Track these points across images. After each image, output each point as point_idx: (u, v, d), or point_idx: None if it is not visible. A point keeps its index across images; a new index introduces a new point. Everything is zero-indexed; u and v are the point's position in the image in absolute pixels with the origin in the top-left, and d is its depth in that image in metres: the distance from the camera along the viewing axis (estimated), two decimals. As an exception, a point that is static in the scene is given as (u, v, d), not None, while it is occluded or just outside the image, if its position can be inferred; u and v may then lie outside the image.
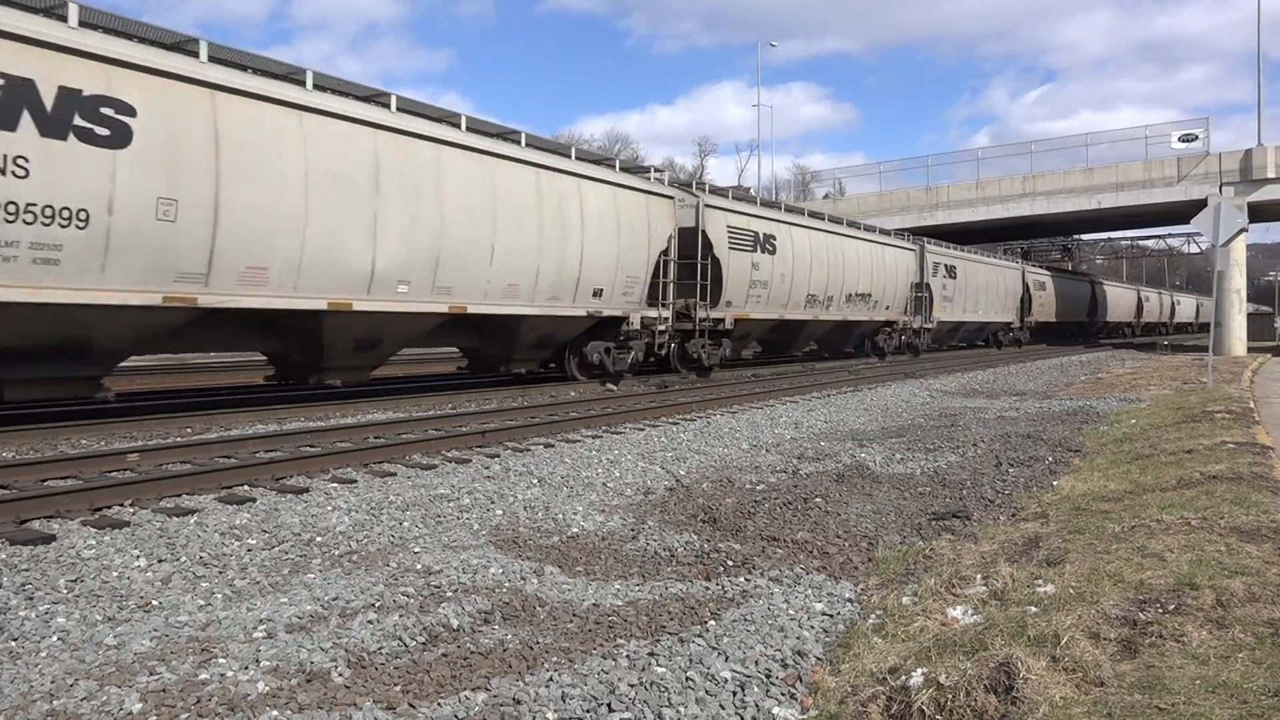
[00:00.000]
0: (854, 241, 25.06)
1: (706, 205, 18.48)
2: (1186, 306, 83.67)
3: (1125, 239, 61.42)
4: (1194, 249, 58.21)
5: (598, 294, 15.29)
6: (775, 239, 20.57)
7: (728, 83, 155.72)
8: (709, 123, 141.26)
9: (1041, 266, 45.87)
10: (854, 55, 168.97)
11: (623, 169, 16.67)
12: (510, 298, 13.46)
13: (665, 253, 17.05)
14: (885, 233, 28.37)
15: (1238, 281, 31.65)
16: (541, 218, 13.81)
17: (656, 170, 18.33)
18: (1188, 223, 20.87)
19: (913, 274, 28.78)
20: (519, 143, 13.90)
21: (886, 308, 27.09)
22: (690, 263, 17.93)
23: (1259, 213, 32.39)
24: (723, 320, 18.82)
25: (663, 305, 17.22)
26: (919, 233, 32.78)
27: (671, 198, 17.45)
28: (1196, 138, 32.45)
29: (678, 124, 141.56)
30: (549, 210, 13.98)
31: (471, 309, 12.76)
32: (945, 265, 31.32)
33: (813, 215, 24.29)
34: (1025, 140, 46.33)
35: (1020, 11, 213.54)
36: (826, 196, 53.37)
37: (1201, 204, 26.21)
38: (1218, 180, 30.97)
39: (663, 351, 17.38)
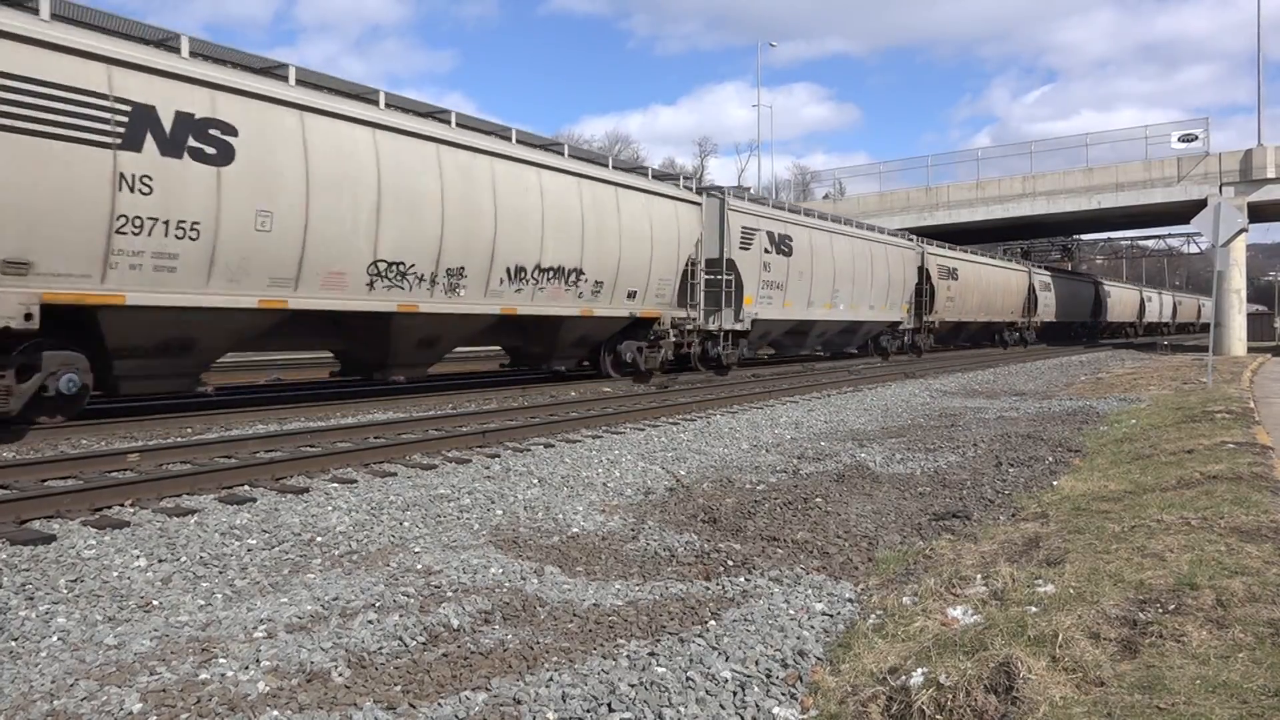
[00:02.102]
0: (537, 173, 14.02)
1: None
2: (1159, 304, 72.40)
3: (1125, 239, 61.41)
4: (1194, 249, 58.14)
5: None
6: (232, 132, 9.69)
7: (730, 83, 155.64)
8: (712, 123, 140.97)
9: (955, 248, 33.40)
10: (856, 56, 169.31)
11: None
12: None
13: None
14: (632, 169, 17.67)
15: (1237, 281, 31.67)
16: None
17: None
18: (1188, 223, 20.88)
19: (696, 245, 18.26)
20: None
21: (630, 295, 16.46)
22: None
23: (1259, 213, 32.42)
24: None
25: None
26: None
27: None
28: (1196, 138, 32.47)
29: (681, 124, 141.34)
30: None
31: None
32: (771, 234, 20.58)
33: (417, 112, 12.60)
34: (1025, 140, 45.86)
35: (1021, 12, 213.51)
36: (827, 196, 53.48)
37: (1201, 204, 26.23)
38: (1218, 180, 30.99)
39: None
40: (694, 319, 18.28)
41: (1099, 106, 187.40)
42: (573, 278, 14.87)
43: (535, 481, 7.43)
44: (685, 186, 18.58)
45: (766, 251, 20.39)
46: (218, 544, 5.33)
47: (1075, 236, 56.81)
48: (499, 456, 8.64)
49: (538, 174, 14.13)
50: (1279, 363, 25.39)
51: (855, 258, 24.97)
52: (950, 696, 3.00)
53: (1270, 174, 30.19)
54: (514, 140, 14.10)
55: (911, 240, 29.72)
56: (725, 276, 18.87)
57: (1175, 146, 32.81)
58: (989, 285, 35.20)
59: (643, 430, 10.73)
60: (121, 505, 6.21)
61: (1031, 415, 12.49)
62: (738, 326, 19.41)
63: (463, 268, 12.77)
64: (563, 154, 15.10)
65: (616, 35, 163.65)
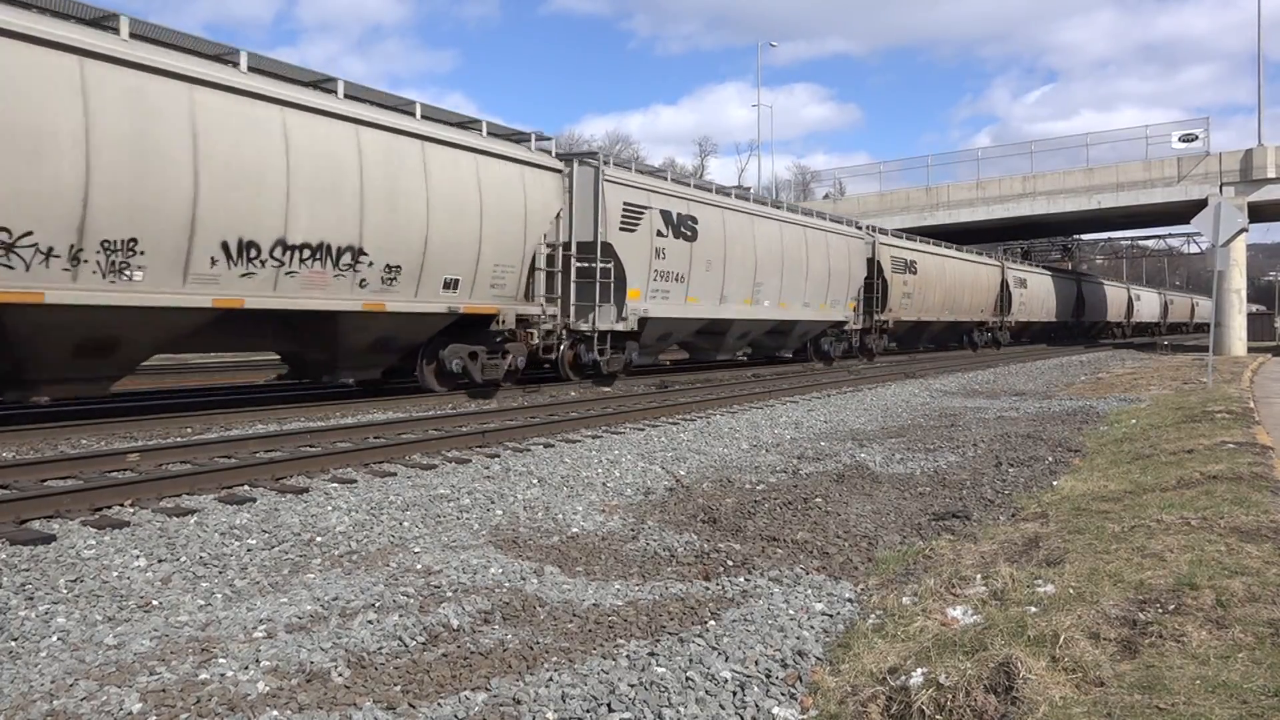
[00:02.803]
0: (280, 113, 10.09)
1: None
2: (1149, 303, 68.66)
3: (1125, 239, 61.38)
4: (1194, 249, 58.07)
5: None
6: None
7: (731, 83, 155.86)
8: (713, 123, 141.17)
9: (915, 239, 29.53)
10: (857, 56, 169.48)
11: None
12: None
13: None
14: (459, 123, 12.96)
15: (1237, 281, 31.67)
16: None
17: None
18: (1188, 223, 20.87)
19: (555, 222, 14.49)
20: None
21: (450, 285, 12.44)
22: None
23: (1259, 213, 32.42)
24: None
25: None
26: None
27: None
28: (1196, 138, 32.48)
29: (681, 124, 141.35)
30: None
31: None
32: (667, 213, 16.83)
33: (81, 18, 8.78)
34: (1026, 140, 45.40)
35: (1021, 12, 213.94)
36: (827, 196, 53.50)
37: (1201, 204, 26.22)
38: (1218, 180, 30.99)
39: None
40: (554, 315, 14.50)
41: (1099, 106, 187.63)
42: (347, 259, 10.89)
43: (535, 481, 7.42)
44: (541, 149, 14.37)
45: (660, 234, 16.46)
46: (218, 544, 5.32)
47: (1075, 236, 56.80)
48: (499, 456, 8.64)
49: (281, 114, 10.08)
50: (1279, 363, 25.39)
51: (785, 245, 20.66)
52: (950, 696, 3.00)
53: (1270, 174, 30.20)
54: (243, 67, 9.90)
55: (860, 228, 25.70)
56: (601, 264, 14.93)
57: (1175, 146, 32.84)
58: (954, 281, 31.25)
59: (642, 430, 10.73)
60: (121, 505, 6.20)
61: (1031, 415, 12.49)
62: (620, 326, 15.56)
63: (133, 240, 8.79)
64: (335, 92, 10.96)
65: (617, 35, 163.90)
